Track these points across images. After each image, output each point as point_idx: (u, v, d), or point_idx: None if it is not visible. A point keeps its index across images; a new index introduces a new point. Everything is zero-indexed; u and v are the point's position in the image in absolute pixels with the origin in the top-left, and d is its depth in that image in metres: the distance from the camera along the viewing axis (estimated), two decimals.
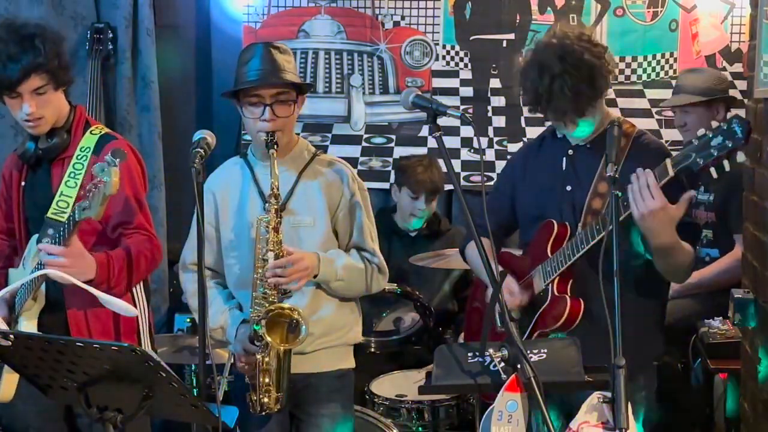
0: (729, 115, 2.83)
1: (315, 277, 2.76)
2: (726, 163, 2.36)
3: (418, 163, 4.24)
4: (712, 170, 2.38)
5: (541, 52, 2.70)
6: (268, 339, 2.64)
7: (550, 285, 2.74)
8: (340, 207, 2.85)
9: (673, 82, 4.32)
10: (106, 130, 2.95)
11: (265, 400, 2.71)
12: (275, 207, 2.68)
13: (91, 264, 2.67)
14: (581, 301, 2.68)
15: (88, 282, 2.52)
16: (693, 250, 2.66)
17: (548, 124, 2.95)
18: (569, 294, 2.70)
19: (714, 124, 2.38)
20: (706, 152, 2.37)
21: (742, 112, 3.61)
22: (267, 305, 2.67)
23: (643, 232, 2.53)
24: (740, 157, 2.35)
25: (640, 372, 2.71)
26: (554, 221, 2.77)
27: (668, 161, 2.45)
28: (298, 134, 3.01)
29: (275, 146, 2.70)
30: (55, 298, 2.82)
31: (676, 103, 3.98)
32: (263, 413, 2.73)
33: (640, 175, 2.47)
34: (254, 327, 2.66)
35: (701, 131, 2.40)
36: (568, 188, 2.79)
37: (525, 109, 4.71)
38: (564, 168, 2.82)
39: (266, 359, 2.68)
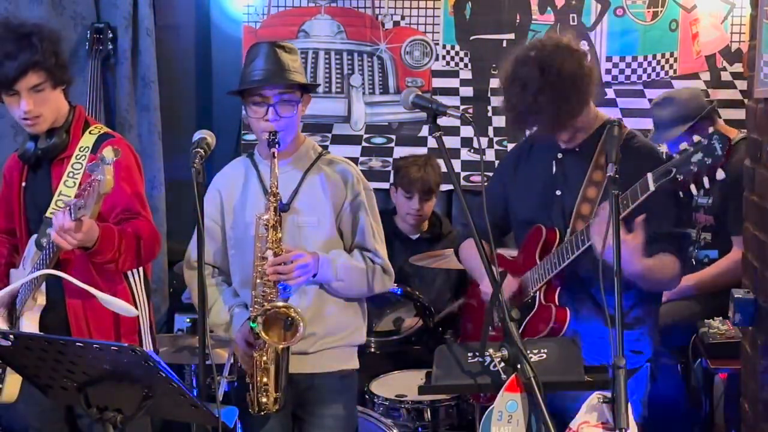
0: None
1: (314, 276, 2.75)
2: (706, 180, 2.37)
3: (412, 163, 4.22)
4: (692, 187, 2.39)
5: (521, 67, 2.67)
6: (265, 337, 2.63)
7: (537, 293, 2.73)
8: (345, 207, 2.85)
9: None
10: (105, 129, 2.95)
11: (263, 400, 2.71)
12: (274, 205, 2.68)
13: (93, 234, 2.60)
14: (567, 310, 2.67)
15: (86, 249, 2.56)
16: (677, 259, 2.65)
17: None
18: (556, 303, 2.69)
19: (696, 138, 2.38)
20: (686, 168, 2.37)
21: (741, 113, 3.61)
22: (266, 304, 2.67)
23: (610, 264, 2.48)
24: (720, 174, 2.35)
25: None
26: (543, 227, 2.76)
27: (650, 176, 2.42)
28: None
29: (277, 145, 2.70)
30: (56, 298, 2.81)
31: (659, 141, 3.96)
32: (262, 413, 2.73)
33: (600, 211, 2.49)
34: (251, 325, 2.66)
35: (683, 145, 2.40)
36: (558, 193, 2.78)
37: None
38: (554, 172, 2.80)
39: (264, 358, 2.68)
